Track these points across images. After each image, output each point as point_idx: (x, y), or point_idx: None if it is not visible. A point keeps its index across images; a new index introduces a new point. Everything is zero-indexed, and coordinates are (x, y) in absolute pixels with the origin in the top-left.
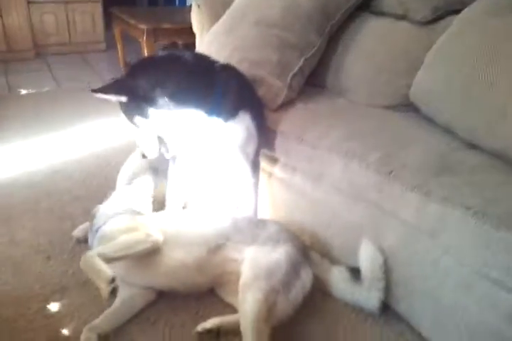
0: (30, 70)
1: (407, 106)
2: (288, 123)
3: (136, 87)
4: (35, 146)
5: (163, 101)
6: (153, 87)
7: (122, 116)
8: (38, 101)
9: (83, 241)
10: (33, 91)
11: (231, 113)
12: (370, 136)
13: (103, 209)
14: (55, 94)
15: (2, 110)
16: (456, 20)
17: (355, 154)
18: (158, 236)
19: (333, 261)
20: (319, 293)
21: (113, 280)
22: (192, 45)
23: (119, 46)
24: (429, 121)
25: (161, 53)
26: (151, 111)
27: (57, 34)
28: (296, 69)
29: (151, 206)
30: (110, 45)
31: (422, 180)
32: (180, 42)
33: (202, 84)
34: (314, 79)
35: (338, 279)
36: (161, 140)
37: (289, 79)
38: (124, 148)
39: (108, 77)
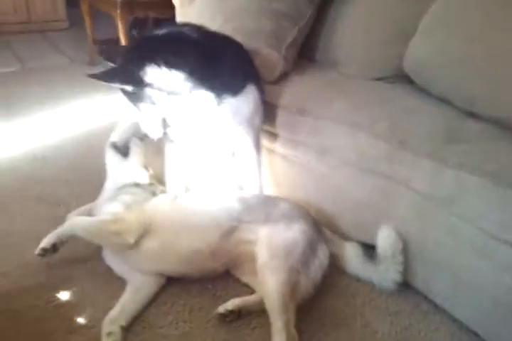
0: None
1: (400, 77)
2: (287, 95)
3: (144, 73)
4: (8, 131)
5: (174, 85)
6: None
7: (122, 100)
8: (4, 82)
9: None
10: None
11: (239, 86)
12: (372, 106)
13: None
14: (22, 74)
15: None
16: None
17: (362, 124)
18: (128, 238)
19: (343, 237)
20: (333, 268)
21: None
22: (168, 19)
23: (87, 23)
24: (423, 91)
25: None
26: (159, 97)
27: (15, 13)
28: (290, 39)
29: (149, 179)
30: (73, 22)
31: (433, 147)
32: (156, 15)
33: (211, 59)
34: (303, 53)
35: (351, 255)
36: (164, 121)
37: (283, 49)
38: (103, 130)
39: (75, 57)
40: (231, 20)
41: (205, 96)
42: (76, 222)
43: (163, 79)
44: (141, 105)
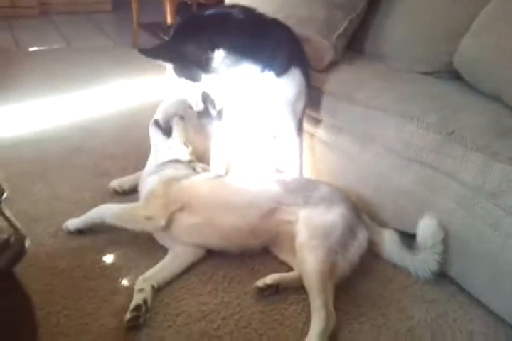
0: (36, 28)
1: (447, 73)
2: (336, 83)
3: (188, 52)
4: (55, 104)
5: (218, 63)
6: (207, 50)
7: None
8: (49, 58)
9: (122, 193)
10: (43, 48)
11: (283, 68)
12: (422, 99)
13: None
14: (67, 52)
15: (15, 65)
16: None
17: (412, 115)
18: (159, 222)
19: (381, 224)
20: (370, 253)
21: None
22: (213, 5)
23: (134, 5)
24: (471, 87)
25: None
26: (202, 75)
27: None
28: (341, 29)
29: (189, 156)
30: (116, 5)
31: (485, 141)
32: (205, 1)
33: (255, 39)
34: (352, 44)
35: (388, 242)
36: (206, 95)
37: (334, 38)
38: (147, 108)
39: (118, 39)
40: (283, 7)
41: (249, 71)
42: (104, 208)
43: (206, 58)
44: (185, 80)
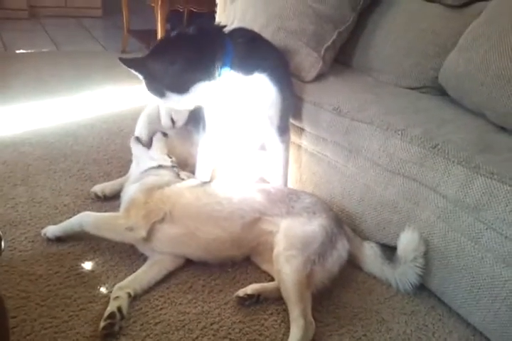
0: (25, 30)
1: (432, 89)
2: (323, 94)
3: (152, 68)
4: (41, 107)
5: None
6: (168, 69)
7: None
8: (38, 61)
9: (103, 198)
10: (32, 51)
11: (244, 71)
12: (407, 112)
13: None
14: (56, 56)
15: (1, 67)
16: (493, 3)
17: (397, 128)
18: (139, 233)
19: (363, 236)
20: (350, 265)
21: None
22: (203, 13)
23: (124, 12)
24: (455, 103)
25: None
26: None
27: None
28: (330, 41)
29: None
30: (107, 11)
31: (467, 155)
32: (194, 9)
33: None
34: (340, 57)
35: (370, 254)
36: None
37: (323, 51)
38: (132, 116)
39: (108, 45)
40: (275, 20)
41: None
42: (84, 217)
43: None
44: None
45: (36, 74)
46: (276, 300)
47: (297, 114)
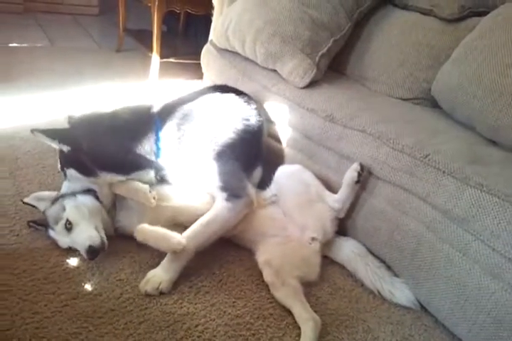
0: (19, 24)
1: (424, 100)
2: (316, 101)
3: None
4: (33, 101)
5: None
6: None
7: None
8: (31, 56)
9: None
10: (25, 45)
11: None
12: (399, 122)
13: None
14: (49, 51)
15: None
16: (487, 18)
17: (388, 137)
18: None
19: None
20: (340, 270)
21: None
22: (199, 15)
23: (121, 11)
24: (447, 115)
25: None
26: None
27: None
28: (325, 49)
29: None
30: (103, 10)
31: (457, 166)
32: (191, 11)
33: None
34: (334, 64)
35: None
36: None
37: (317, 57)
38: None
39: (103, 43)
40: (271, 24)
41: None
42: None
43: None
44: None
45: (29, 68)
46: (263, 304)
47: (292, 120)
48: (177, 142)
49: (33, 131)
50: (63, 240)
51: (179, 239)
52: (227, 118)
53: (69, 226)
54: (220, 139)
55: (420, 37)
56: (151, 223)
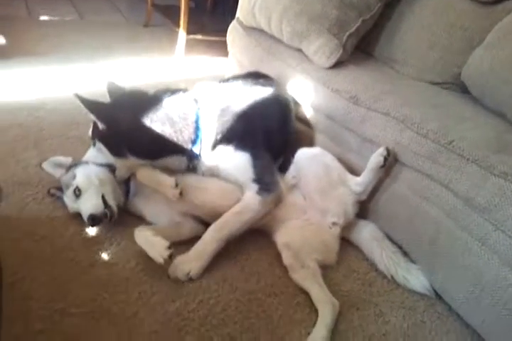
0: None
1: (453, 85)
2: (341, 82)
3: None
4: (61, 74)
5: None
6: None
7: None
8: (60, 29)
9: None
10: (55, 18)
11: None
12: (425, 106)
13: None
14: (78, 24)
15: (25, 32)
16: None
17: (413, 121)
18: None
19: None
20: (355, 253)
21: (169, 247)
22: None
23: None
24: (476, 101)
25: None
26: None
27: None
28: (353, 29)
29: None
30: None
31: (482, 154)
32: None
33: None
34: (362, 45)
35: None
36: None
37: (345, 38)
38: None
39: (131, 17)
40: (298, 2)
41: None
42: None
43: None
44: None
45: (58, 41)
46: (275, 282)
47: (315, 100)
48: (215, 133)
49: (76, 95)
50: (72, 205)
51: (163, 252)
52: (266, 113)
53: (78, 193)
54: (257, 132)
55: (453, 19)
56: (165, 213)
